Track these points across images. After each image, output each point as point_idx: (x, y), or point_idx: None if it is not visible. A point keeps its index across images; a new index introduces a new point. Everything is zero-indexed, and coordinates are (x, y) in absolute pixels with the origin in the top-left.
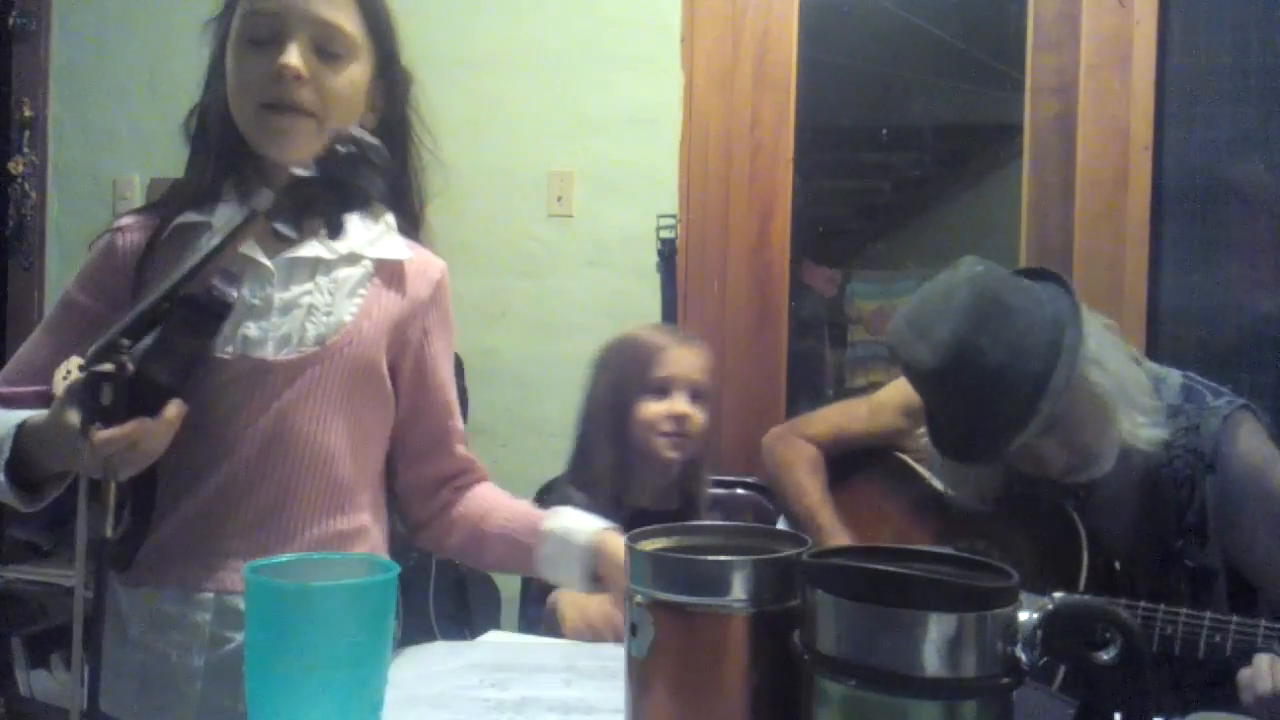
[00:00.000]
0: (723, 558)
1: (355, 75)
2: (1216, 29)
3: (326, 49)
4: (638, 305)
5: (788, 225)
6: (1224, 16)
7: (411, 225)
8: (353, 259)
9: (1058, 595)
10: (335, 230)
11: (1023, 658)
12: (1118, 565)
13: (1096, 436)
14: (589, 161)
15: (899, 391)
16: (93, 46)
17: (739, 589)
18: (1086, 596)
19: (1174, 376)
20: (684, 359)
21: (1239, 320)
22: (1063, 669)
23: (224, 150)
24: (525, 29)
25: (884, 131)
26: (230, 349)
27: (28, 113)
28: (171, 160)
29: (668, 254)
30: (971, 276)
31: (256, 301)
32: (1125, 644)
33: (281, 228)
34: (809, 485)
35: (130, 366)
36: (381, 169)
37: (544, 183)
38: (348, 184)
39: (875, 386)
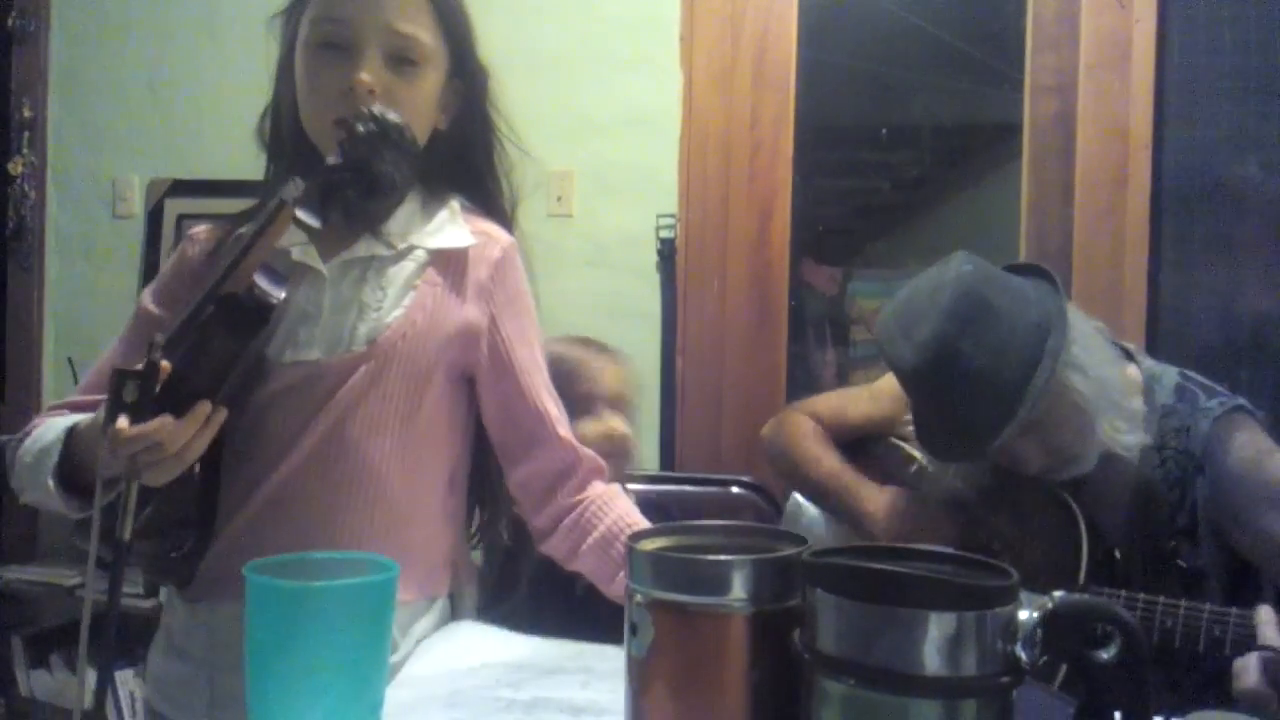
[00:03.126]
0: (722, 557)
1: (429, 84)
2: (1216, 28)
3: (401, 57)
4: (637, 305)
5: (787, 224)
6: (1223, 16)
7: (502, 227)
8: (409, 252)
9: (1057, 594)
10: (356, 218)
11: (1023, 656)
12: (1118, 555)
13: (1076, 439)
14: (588, 161)
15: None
16: (92, 47)
17: (739, 588)
18: (1086, 595)
19: (1169, 375)
20: (607, 373)
21: (1239, 319)
22: (1063, 668)
23: (296, 156)
24: (524, 29)
25: (883, 131)
26: (286, 355)
27: (27, 113)
28: (171, 160)
29: (667, 253)
30: (958, 276)
31: (310, 307)
32: (1125, 643)
33: (304, 215)
34: (822, 452)
35: (162, 364)
36: (408, 151)
37: (543, 182)
38: (370, 167)
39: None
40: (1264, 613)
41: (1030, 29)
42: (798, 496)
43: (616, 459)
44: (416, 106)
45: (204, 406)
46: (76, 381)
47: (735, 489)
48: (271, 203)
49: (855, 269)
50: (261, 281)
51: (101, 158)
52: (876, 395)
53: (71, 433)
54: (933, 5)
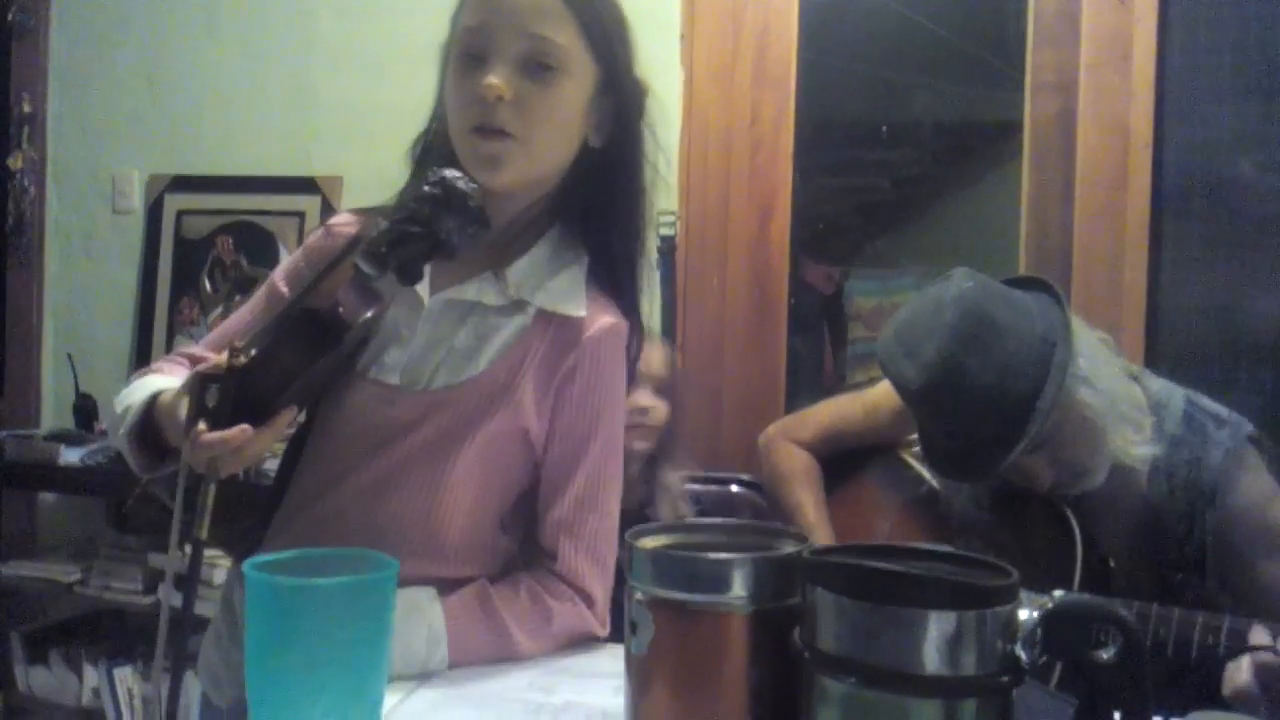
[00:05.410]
0: (723, 555)
1: (567, 92)
2: (1216, 26)
3: (536, 61)
4: None
5: (787, 223)
6: (1224, 14)
7: (632, 249)
8: (519, 306)
9: (1058, 593)
10: (407, 276)
11: (1023, 656)
12: (1113, 564)
13: (1087, 453)
14: None
15: (893, 392)
16: (92, 42)
17: (739, 586)
18: (1086, 595)
19: (1176, 402)
20: (645, 355)
21: (1239, 319)
22: (1059, 666)
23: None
24: None
25: (884, 129)
26: (371, 371)
27: (27, 108)
28: (170, 156)
29: (667, 251)
30: (960, 294)
31: (405, 330)
32: (1125, 642)
33: (362, 263)
34: (805, 500)
35: (245, 367)
36: (467, 219)
37: None
38: (428, 228)
39: (873, 384)
40: (1245, 661)
41: (1031, 27)
42: None
43: (643, 430)
44: (550, 117)
45: (285, 419)
46: (76, 377)
47: (735, 487)
48: (356, 236)
49: (852, 268)
50: (348, 300)
51: (101, 153)
52: (872, 409)
53: (155, 400)
54: (933, 3)
